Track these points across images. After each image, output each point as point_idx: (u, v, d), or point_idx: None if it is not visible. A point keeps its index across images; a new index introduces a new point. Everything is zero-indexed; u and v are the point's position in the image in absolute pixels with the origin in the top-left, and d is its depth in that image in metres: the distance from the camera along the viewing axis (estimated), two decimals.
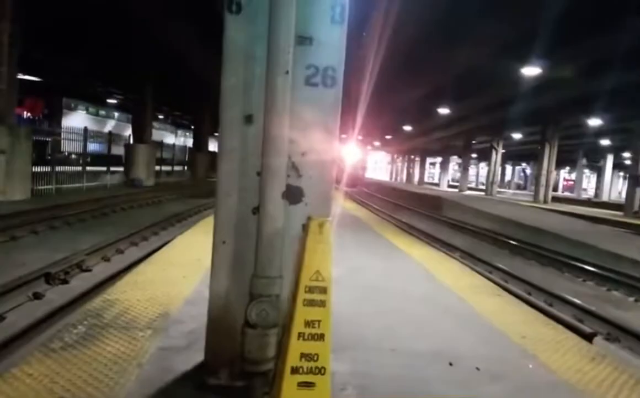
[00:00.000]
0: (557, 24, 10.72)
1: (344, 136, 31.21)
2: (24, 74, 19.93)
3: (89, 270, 6.35)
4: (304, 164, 2.30)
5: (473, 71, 16.06)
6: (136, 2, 12.73)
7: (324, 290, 1.98)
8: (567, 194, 47.53)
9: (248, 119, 2.24)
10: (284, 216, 2.24)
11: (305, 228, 2.13)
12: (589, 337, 4.45)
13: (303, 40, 2.18)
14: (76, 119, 32.25)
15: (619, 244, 10.61)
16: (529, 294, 6.84)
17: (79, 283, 5.78)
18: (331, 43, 2.21)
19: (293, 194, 2.29)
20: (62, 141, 16.97)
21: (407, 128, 35.74)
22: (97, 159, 19.60)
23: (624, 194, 26.75)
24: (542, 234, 12.15)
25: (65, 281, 5.76)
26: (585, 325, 5.50)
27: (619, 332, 5.36)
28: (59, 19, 14.71)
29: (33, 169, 13.50)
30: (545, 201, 26.56)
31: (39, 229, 8.77)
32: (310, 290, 1.98)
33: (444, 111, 24.76)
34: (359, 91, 16.00)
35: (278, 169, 2.22)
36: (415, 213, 19.82)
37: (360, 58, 13.66)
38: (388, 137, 46.39)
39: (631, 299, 7.27)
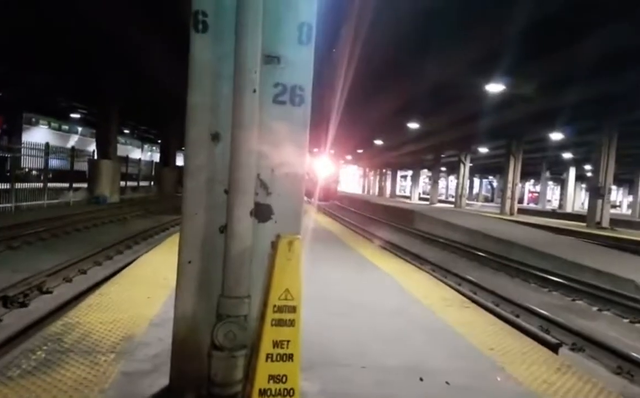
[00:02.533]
0: (519, 44, 11.14)
1: (316, 150, 31.42)
2: None
3: (50, 292, 6.11)
4: (273, 182, 2.29)
5: (441, 86, 16.46)
6: (101, 18, 12.47)
7: (293, 309, 1.96)
8: (532, 206, 48.97)
9: (215, 137, 2.21)
10: (252, 234, 2.21)
11: (274, 246, 2.11)
12: (554, 348, 4.55)
13: (270, 59, 2.18)
14: (38, 134, 31.21)
15: (583, 254, 10.95)
16: (497, 305, 6.98)
17: (39, 305, 5.55)
18: (299, 62, 2.22)
19: (262, 212, 2.27)
20: (22, 157, 16.40)
21: (379, 142, 36.22)
22: (59, 175, 19.00)
23: (587, 205, 27.74)
24: (508, 245, 12.45)
25: (24, 304, 5.52)
26: (551, 335, 5.64)
27: (583, 342, 5.47)
28: (18, 33, 14.24)
29: None
30: (511, 213, 27.29)
31: None
32: (279, 309, 1.95)
33: (413, 125, 25.25)
34: (330, 106, 16.15)
35: (246, 187, 2.19)
36: (386, 225, 20.01)
37: (331, 73, 13.81)
38: (360, 151, 46.85)
39: (595, 309, 7.48)
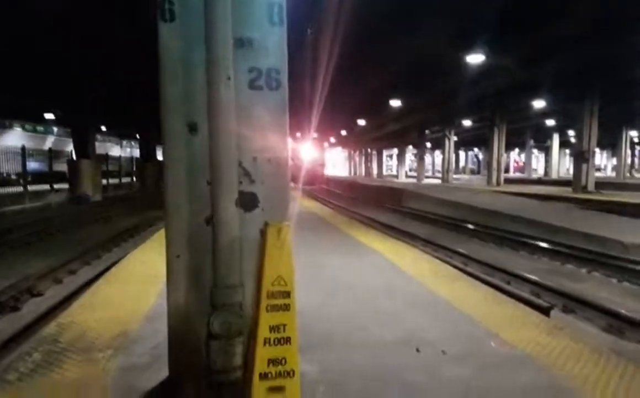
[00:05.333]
0: (498, 15, 11.14)
1: (299, 134, 31.29)
2: None
3: (41, 294, 6.06)
4: (256, 169, 2.26)
5: (421, 62, 16.42)
6: (68, 20, 12.11)
7: (287, 294, 1.97)
8: (518, 175, 49.45)
9: (192, 127, 2.17)
10: (239, 224, 2.20)
11: (263, 234, 2.11)
12: (546, 311, 4.64)
13: (242, 42, 2.14)
14: (12, 138, 30.63)
15: (569, 219, 11.12)
16: (488, 275, 7.07)
17: (31, 308, 5.50)
18: (272, 44, 2.18)
19: (247, 201, 2.25)
20: None
21: (362, 123, 36.16)
22: (39, 177, 18.73)
23: (572, 171, 28.12)
24: (497, 216, 12.59)
25: (15, 308, 5.48)
26: (542, 299, 5.73)
27: (574, 304, 5.54)
28: None
29: None
30: (498, 184, 27.52)
31: None
32: (272, 295, 1.97)
33: (395, 103, 25.22)
34: (312, 89, 16.06)
35: (228, 176, 2.17)
36: (375, 206, 20.09)
37: (310, 56, 13.70)
38: (344, 133, 46.75)
39: (584, 270, 7.60)
